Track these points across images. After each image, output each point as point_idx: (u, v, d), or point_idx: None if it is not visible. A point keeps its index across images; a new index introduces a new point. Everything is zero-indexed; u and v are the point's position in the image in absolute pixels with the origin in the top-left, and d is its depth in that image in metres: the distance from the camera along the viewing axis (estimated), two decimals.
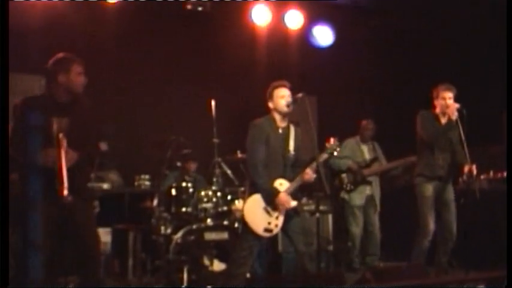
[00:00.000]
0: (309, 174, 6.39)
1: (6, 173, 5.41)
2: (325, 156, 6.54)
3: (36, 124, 5.50)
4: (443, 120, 7.63)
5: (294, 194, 6.47)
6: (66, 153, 5.42)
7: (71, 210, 5.53)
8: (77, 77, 5.68)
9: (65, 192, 5.37)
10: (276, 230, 6.44)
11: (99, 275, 6.00)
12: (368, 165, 8.94)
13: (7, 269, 5.35)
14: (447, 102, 7.56)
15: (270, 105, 6.57)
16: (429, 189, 7.66)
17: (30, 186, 5.53)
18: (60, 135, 5.45)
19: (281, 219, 6.42)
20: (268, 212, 6.38)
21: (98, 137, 5.98)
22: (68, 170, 5.41)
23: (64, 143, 5.45)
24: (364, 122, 9.09)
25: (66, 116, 5.56)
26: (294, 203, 6.43)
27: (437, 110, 7.71)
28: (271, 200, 6.36)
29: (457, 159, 7.67)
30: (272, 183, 6.39)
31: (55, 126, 5.51)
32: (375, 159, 8.98)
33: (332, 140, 6.54)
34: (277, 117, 6.55)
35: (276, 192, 6.35)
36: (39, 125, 5.50)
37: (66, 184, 5.37)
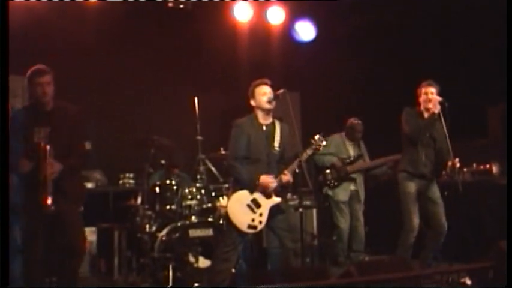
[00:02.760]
0: (287, 176, 6.44)
1: (6, 174, 5.45)
2: (309, 152, 6.56)
3: (18, 135, 5.56)
4: (427, 116, 7.67)
5: (277, 191, 6.48)
6: (50, 164, 5.48)
7: (59, 214, 5.60)
8: (45, 88, 5.77)
9: (48, 201, 5.46)
10: (260, 227, 6.46)
11: (77, 275, 6.03)
12: (352, 162, 8.94)
13: (7, 269, 5.39)
14: (429, 96, 7.59)
15: (253, 103, 6.62)
16: (412, 185, 7.68)
17: (15, 194, 5.60)
18: (42, 143, 5.50)
19: (265, 216, 6.44)
20: (252, 209, 6.41)
21: (83, 139, 5.98)
22: (54, 180, 5.51)
23: (48, 151, 5.51)
24: (352, 122, 9.06)
25: (48, 125, 5.63)
26: (277, 199, 6.45)
27: (421, 107, 7.75)
28: (254, 187, 6.41)
29: (440, 153, 7.70)
30: (255, 179, 6.41)
31: (36, 136, 5.57)
32: (359, 156, 8.99)
33: (317, 137, 6.57)
34: (259, 114, 6.59)
35: (258, 176, 6.39)
36: (21, 135, 5.57)
37: (49, 194, 5.44)
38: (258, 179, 6.39)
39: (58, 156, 5.65)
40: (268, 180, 6.39)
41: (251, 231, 6.46)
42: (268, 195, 6.44)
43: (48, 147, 5.59)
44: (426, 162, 7.70)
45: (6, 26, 5.67)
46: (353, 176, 8.90)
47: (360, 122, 9.06)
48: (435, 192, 7.74)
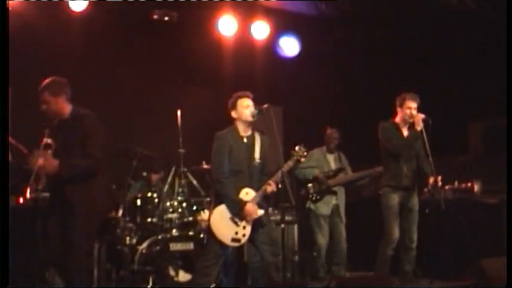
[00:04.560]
0: (272, 186, 6.43)
1: (6, 174, 5.46)
2: (291, 164, 6.56)
3: None
4: (405, 130, 7.72)
5: (260, 204, 6.48)
6: (44, 155, 5.59)
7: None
8: (43, 106, 5.95)
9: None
10: (243, 240, 6.45)
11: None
12: (334, 175, 8.94)
13: (7, 269, 5.37)
14: (412, 112, 7.62)
15: (233, 114, 6.60)
16: (394, 199, 7.71)
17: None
18: (45, 139, 5.71)
19: (248, 229, 6.43)
20: (235, 222, 6.39)
21: (93, 147, 5.93)
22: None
23: (46, 144, 5.73)
24: (328, 131, 9.08)
25: (63, 132, 5.83)
26: (260, 212, 6.45)
27: (398, 119, 7.79)
28: (237, 210, 6.37)
29: (422, 169, 7.73)
30: (238, 193, 6.41)
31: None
32: (340, 169, 8.98)
33: (297, 147, 6.58)
34: (240, 127, 6.58)
35: (242, 202, 6.36)
36: None
37: (30, 185, 5.64)
38: (241, 200, 6.38)
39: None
40: (253, 209, 6.38)
41: (235, 244, 6.45)
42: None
43: (49, 141, 5.71)
44: (408, 174, 7.73)
45: (6, 26, 5.68)
46: (335, 189, 8.89)
47: (334, 129, 9.06)
48: (414, 203, 7.78)
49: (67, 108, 5.99)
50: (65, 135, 5.86)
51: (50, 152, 5.76)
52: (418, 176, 7.76)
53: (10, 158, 7.24)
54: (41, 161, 5.60)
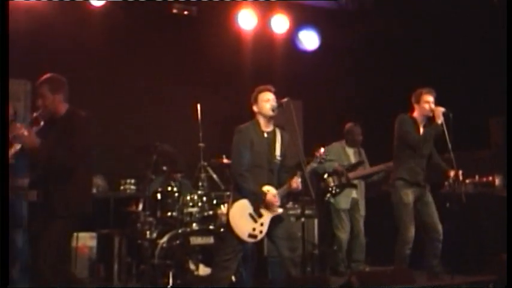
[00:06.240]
0: (297, 182, 6.38)
1: (6, 174, 5.46)
2: (314, 165, 6.57)
3: None
4: (422, 127, 7.64)
5: (280, 201, 6.44)
6: (29, 132, 5.51)
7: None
8: (39, 100, 5.82)
9: None
10: (260, 236, 6.42)
11: None
12: (353, 168, 8.90)
13: (7, 269, 5.38)
14: (431, 106, 7.55)
15: (255, 109, 6.57)
16: (408, 194, 7.58)
17: None
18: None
19: (266, 225, 6.40)
20: (253, 218, 6.37)
21: (85, 146, 5.83)
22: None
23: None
24: (350, 126, 9.04)
25: (57, 130, 5.70)
26: (280, 210, 6.42)
27: (416, 114, 7.70)
28: (257, 205, 6.36)
29: (439, 164, 7.68)
30: (258, 189, 6.38)
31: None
32: (360, 163, 8.95)
33: (322, 150, 6.57)
34: (261, 121, 6.55)
35: (264, 194, 6.33)
36: None
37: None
38: (263, 192, 6.36)
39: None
40: (274, 200, 6.36)
41: (251, 240, 6.42)
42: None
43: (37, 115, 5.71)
44: (422, 170, 7.66)
45: (6, 26, 5.66)
46: (355, 182, 8.86)
47: (356, 124, 9.03)
48: (428, 196, 7.68)
49: (63, 107, 5.83)
50: (55, 133, 5.70)
51: (34, 129, 5.64)
52: (435, 172, 7.69)
53: None
54: (23, 131, 5.46)
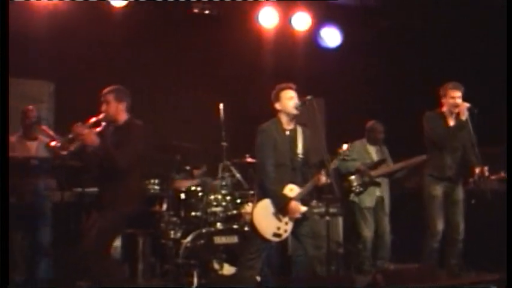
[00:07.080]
0: (323, 179, 6.35)
1: (6, 174, 5.57)
2: (337, 162, 6.53)
3: None
4: (451, 120, 7.61)
5: (304, 199, 6.43)
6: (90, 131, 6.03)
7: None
8: (104, 106, 6.28)
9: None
10: (285, 235, 6.41)
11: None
12: (375, 166, 8.85)
13: (7, 269, 5.46)
14: (456, 101, 7.51)
15: (277, 106, 6.54)
16: (438, 190, 7.63)
17: None
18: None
19: (290, 224, 6.39)
20: (277, 217, 6.35)
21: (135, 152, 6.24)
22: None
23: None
24: (372, 124, 8.98)
25: (117, 137, 6.19)
26: (303, 209, 6.40)
27: (445, 109, 7.67)
28: (281, 206, 6.33)
29: (467, 160, 7.63)
30: (282, 189, 6.36)
31: None
32: (382, 161, 8.89)
33: (345, 146, 6.54)
34: (284, 119, 6.52)
35: (287, 199, 6.31)
36: None
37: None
38: (287, 197, 6.34)
39: None
40: (297, 208, 6.34)
41: (276, 239, 6.41)
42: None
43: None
44: (452, 165, 7.65)
45: (6, 26, 5.77)
46: (378, 181, 8.80)
47: (378, 122, 8.97)
48: (459, 194, 7.69)
49: (123, 115, 6.31)
50: (113, 138, 6.14)
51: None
52: (463, 167, 7.66)
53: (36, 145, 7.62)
54: (85, 130, 5.93)
